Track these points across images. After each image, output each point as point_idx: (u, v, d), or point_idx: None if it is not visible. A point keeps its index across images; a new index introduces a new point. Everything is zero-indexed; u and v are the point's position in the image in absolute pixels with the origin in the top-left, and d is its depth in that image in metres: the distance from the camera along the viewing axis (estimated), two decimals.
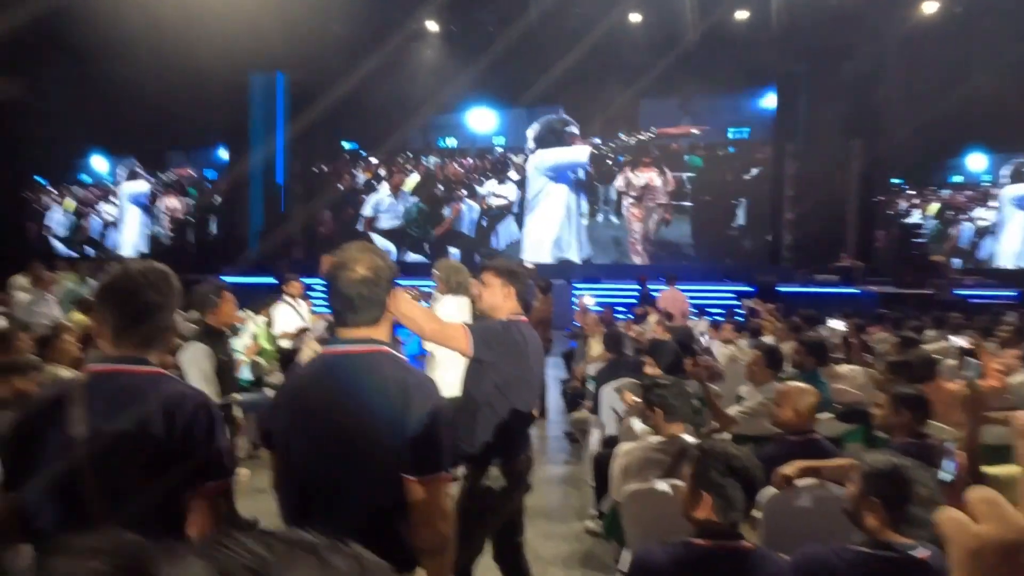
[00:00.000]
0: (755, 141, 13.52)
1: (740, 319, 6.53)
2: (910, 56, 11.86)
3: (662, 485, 2.14)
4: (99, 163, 16.41)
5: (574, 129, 13.62)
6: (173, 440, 1.23)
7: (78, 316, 5.48)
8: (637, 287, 10.34)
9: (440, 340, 1.93)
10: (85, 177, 16.57)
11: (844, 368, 3.94)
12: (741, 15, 11.75)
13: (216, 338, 3.04)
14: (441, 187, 14.19)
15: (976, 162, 13.12)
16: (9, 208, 15.63)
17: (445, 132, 14.53)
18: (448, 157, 14.42)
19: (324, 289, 1.39)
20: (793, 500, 2.18)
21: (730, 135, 13.62)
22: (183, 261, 12.77)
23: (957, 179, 13.33)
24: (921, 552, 1.52)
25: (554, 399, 6.05)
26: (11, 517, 1.25)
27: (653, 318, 6.65)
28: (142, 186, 15.88)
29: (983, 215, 12.85)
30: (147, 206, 15.74)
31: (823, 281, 10.92)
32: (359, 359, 1.35)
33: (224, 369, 2.97)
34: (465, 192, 14.15)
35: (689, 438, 2.25)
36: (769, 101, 13.39)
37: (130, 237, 15.83)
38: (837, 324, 4.92)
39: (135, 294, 1.29)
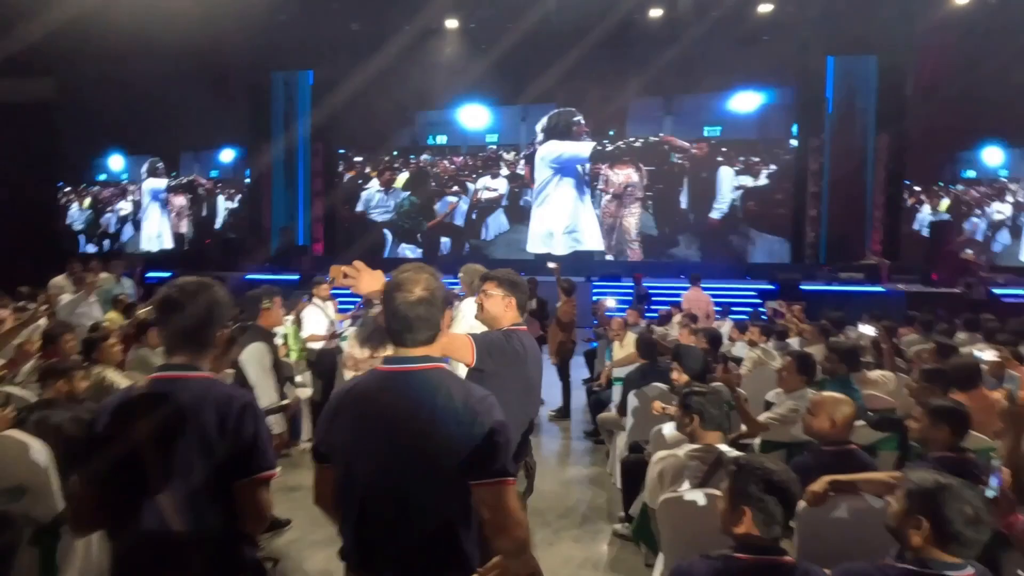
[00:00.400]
0: (771, 138, 13.29)
1: (765, 320, 6.47)
2: (940, 48, 11.57)
3: (698, 494, 2.16)
4: (116, 162, 16.77)
5: (581, 120, 13.75)
6: (223, 436, 1.39)
7: (114, 315, 5.64)
8: (633, 285, 10.40)
9: (447, 352, 1.97)
10: (100, 175, 16.95)
11: (875, 374, 3.89)
12: (764, 8, 11.57)
13: (267, 339, 3.31)
14: (433, 183, 14.50)
15: (992, 156, 12.70)
16: (39, 206, 16.05)
17: (436, 130, 14.65)
18: (439, 155, 14.59)
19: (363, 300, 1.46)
20: (829, 511, 2.18)
21: (705, 133, 13.53)
22: (206, 258, 13.05)
23: (970, 174, 12.94)
24: (967, 571, 1.52)
25: (578, 400, 6.08)
26: (89, 503, 1.43)
27: (677, 318, 6.63)
28: (162, 183, 16.21)
29: (999, 208, 12.46)
30: (165, 202, 16.08)
31: (848, 279, 10.75)
32: (421, 376, 1.39)
33: (277, 366, 3.30)
34: (456, 188, 14.42)
35: (725, 447, 2.27)
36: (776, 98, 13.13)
37: (151, 233, 16.17)
38: (867, 329, 4.85)
39: (186, 311, 1.46)
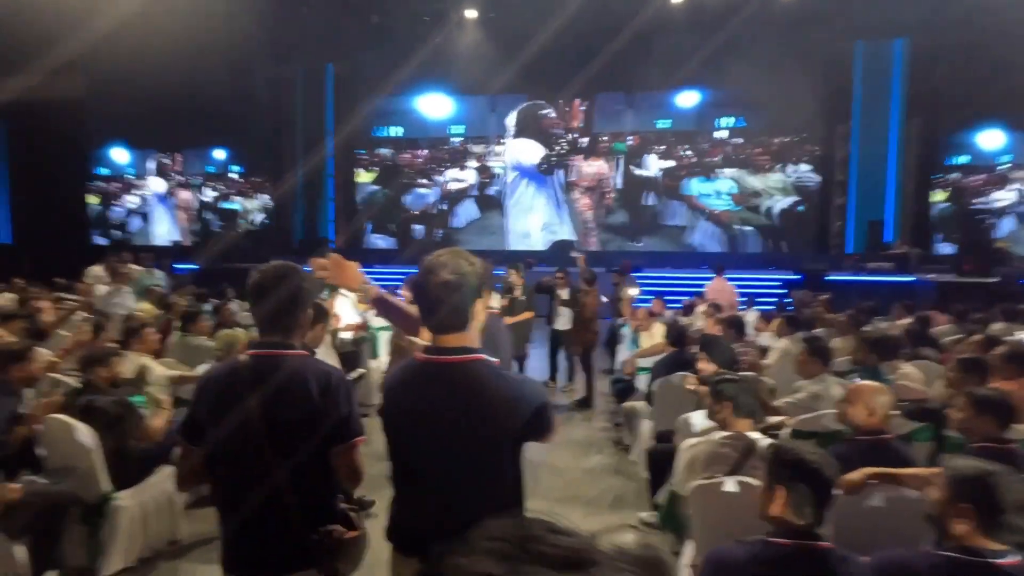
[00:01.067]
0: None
1: (791, 310, 6.37)
2: (968, 29, 11.15)
3: (729, 482, 2.16)
4: (120, 155, 17.11)
5: (550, 112, 13.80)
6: (324, 407, 1.52)
7: (148, 305, 5.79)
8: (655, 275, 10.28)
9: None
10: (102, 170, 17.30)
11: (908, 363, 3.82)
12: None
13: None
14: (404, 179, 14.77)
15: (991, 140, 12.14)
16: (67, 200, 16.49)
17: (391, 120, 14.68)
18: (397, 148, 14.75)
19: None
20: (864, 499, 2.17)
21: (657, 125, 13.50)
22: (232, 250, 13.26)
23: (963, 159, 12.44)
24: (1012, 558, 1.50)
25: (601, 389, 6.09)
26: (200, 466, 1.59)
27: (700, 308, 6.57)
28: (174, 177, 16.52)
29: (1001, 196, 11.98)
30: (168, 196, 16.37)
31: (876, 269, 10.52)
32: (462, 369, 1.43)
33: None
34: (425, 180, 14.64)
35: (756, 435, 2.26)
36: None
37: (163, 227, 16.52)
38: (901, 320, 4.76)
39: (274, 294, 1.57)
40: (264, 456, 1.52)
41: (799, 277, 10.48)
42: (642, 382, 4.64)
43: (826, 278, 10.04)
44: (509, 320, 6.07)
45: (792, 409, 3.32)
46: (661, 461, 3.46)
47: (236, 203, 16.22)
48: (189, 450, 1.61)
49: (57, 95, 15.80)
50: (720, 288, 6.75)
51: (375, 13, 13.15)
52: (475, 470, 1.42)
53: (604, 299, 6.33)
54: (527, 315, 5.85)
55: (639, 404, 4.27)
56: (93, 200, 16.96)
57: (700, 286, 9.60)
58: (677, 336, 3.92)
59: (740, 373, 2.73)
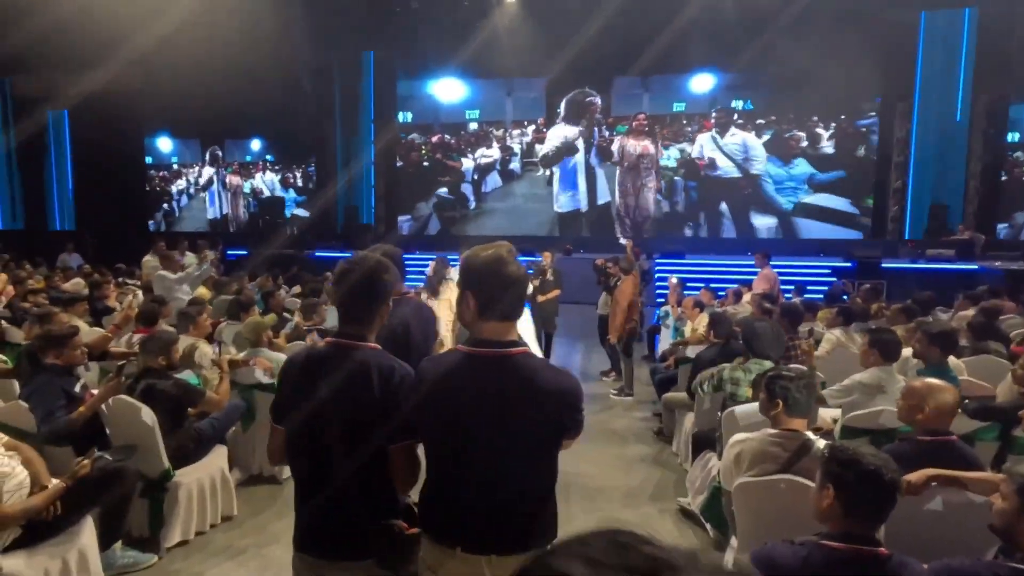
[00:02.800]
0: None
1: (845, 300, 6.10)
2: None
3: (779, 480, 2.09)
4: (165, 144, 17.74)
5: (595, 99, 13.65)
6: (382, 401, 1.54)
7: (204, 291, 6.04)
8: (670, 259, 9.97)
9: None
10: (149, 159, 17.98)
11: (972, 359, 3.61)
12: None
13: None
14: (426, 163, 14.92)
15: None
16: (125, 189, 17.31)
17: (406, 105, 14.82)
18: (415, 132, 14.91)
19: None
20: (924, 503, 2.07)
21: (674, 109, 13.16)
22: (277, 236, 13.67)
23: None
24: None
25: (641, 377, 6.01)
26: (278, 439, 1.66)
27: (747, 297, 6.38)
28: (221, 166, 17.05)
29: None
30: (224, 183, 16.90)
31: (935, 256, 9.94)
32: (514, 361, 1.47)
33: None
34: (452, 162, 14.87)
35: (811, 434, 2.18)
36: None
37: (215, 213, 17.13)
38: (964, 312, 4.48)
39: (354, 288, 1.61)
40: (330, 444, 1.57)
41: (851, 264, 10.04)
42: (683, 373, 4.55)
43: (882, 265, 9.56)
44: (541, 298, 6.34)
45: (837, 399, 3.20)
46: (706, 447, 3.42)
47: (279, 190, 16.68)
48: (276, 429, 1.67)
49: (116, 88, 16.57)
50: (767, 277, 6.51)
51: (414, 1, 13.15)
52: (522, 460, 1.45)
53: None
54: (554, 293, 6.44)
55: (681, 395, 4.19)
56: (149, 187, 17.76)
57: (745, 273, 9.33)
58: (723, 328, 3.81)
59: (792, 366, 2.62)
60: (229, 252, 12.73)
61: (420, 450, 1.60)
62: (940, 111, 11.63)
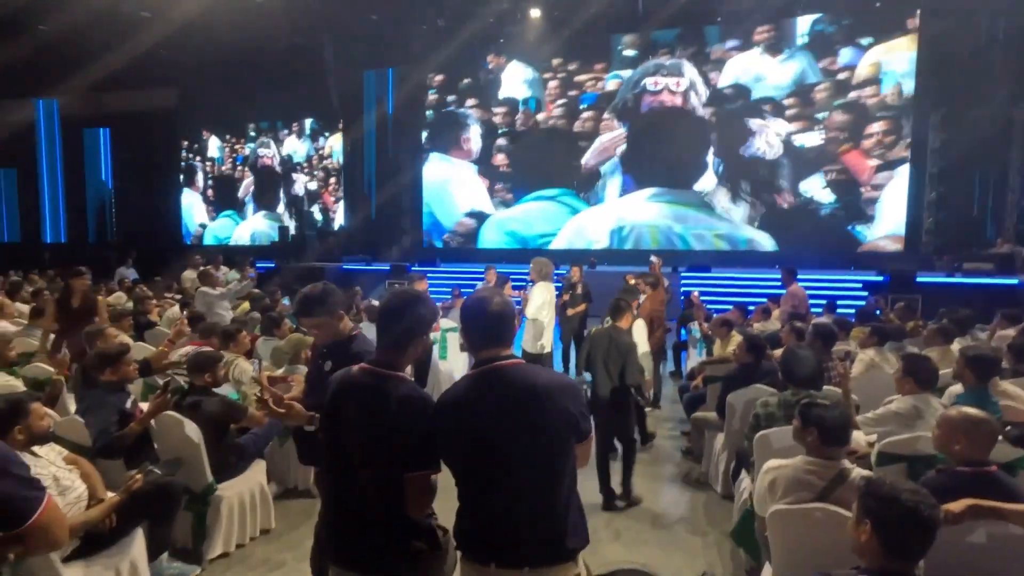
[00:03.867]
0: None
1: (879, 316, 5.98)
2: None
3: (815, 509, 2.09)
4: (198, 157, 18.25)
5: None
6: (400, 429, 1.61)
7: (246, 306, 6.23)
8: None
9: None
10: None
11: (1011, 382, 3.52)
12: None
13: None
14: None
15: None
16: (162, 202, 17.93)
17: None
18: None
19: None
20: (965, 535, 2.04)
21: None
22: (305, 249, 13.99)
23: None
24: None
25: (668, 393, 5.98)
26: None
27: (776, 313, 6.31)
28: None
29: None
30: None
31: (973, 271, 9.66)
32: (514, 370, 1.60)
33: None
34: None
35: (847, 463, 2.17)
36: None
37: (249, 228, 17.54)
38: (1007, 331, 4.36)
39: (392, 321, 1.73)
40: (352, 465, 1.67)
41: (884, 279, 9.82)
42: (712, 392, 4.53)
43: (916, 280, 9.33)
44: (570, 311, 6.39)
45: (872, 425, 3.15)
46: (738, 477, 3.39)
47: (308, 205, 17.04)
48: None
49: (153, 106, 17.27)
50: (796, 294, 6.43)
51: (441, 17, 13.42)
52: (541, 462, 1.54)
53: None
54: (583, 307, 6.69)
55: (710, 415, 4.17)
56: (185, 201, 18.36)
57: (772, 287, 9.20)
58: (755, 348, 3.79)
59: (825, 388, 2.61)
60: (260, 266, 13.09)
61: (436, 478, 1.68)
62: (976, 120, 11.35)
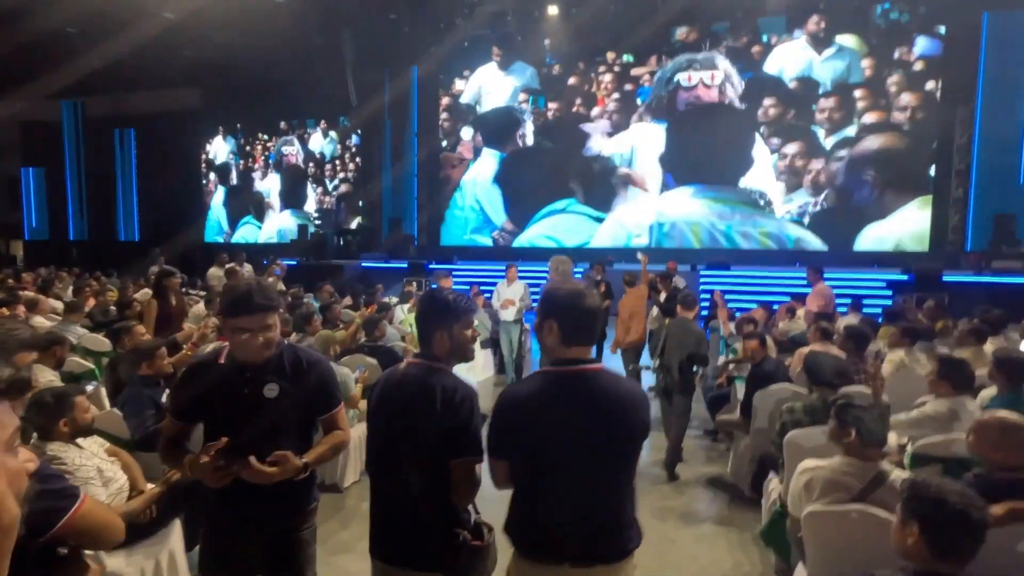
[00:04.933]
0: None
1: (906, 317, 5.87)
2: None
3: (853, 510, 2.07)
4: (221, 155, 18.46)
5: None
6: (445, 417, 1.65)
7: None
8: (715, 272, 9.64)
9: None
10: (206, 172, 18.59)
11: None
12: None
13: None
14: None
15: None
16: (184, 202, 18.23)
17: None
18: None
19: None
20: (1010, 542, 2.00)
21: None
22: (326, 248, 14.13)
23: None
24: None
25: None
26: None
27: (800, 312, 6.23)
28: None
29: None
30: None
31: (1003, 269, 9.44)
32: (597, 376, 1.61)
33: None
34: None
35: (886, 465, 2.15)
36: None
37: (272, 225, 17.70)
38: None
39: (420, 315, 1.81)
40: (399, 456, 1.70)
41: (908, 277, 9.64)
42: (737, 392, 4.49)
43: (943, 278, 9.15)
44: None
45: (906, 428, 3.10)
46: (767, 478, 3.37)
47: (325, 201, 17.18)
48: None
49: (176, 106, 17.57)
50: (822, 293, 6.34)
51: (459, 16, 13.45)
52: (613, 465, 1.58)
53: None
54: (606, 304, 6.73)
55: (735, 417, 4.14)
56: (208, 200, 18.64)
57: (793, 286, 9.08)
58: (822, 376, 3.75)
59: (852, 388, 2.58)
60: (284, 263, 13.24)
61: (480, 467, 1.70)
62: (1004, 116, 11.08)
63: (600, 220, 13.84)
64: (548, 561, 1.56)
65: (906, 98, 11.72)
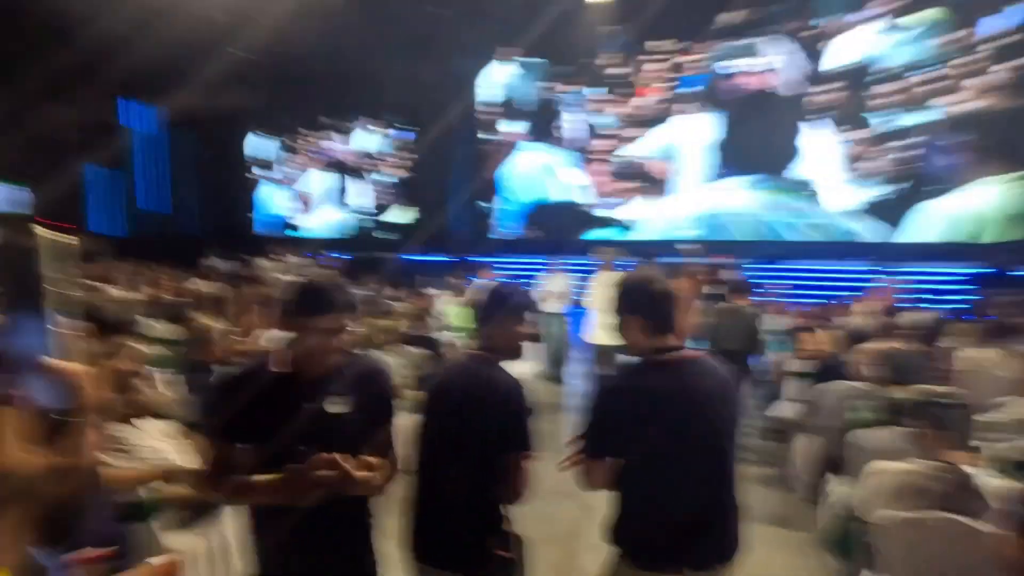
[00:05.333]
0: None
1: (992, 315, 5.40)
2: None
3: (934, 516, 1.90)
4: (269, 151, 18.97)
5: None
6: (500, 413, 1.64)
7: None
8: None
9: None
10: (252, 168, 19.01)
11: None
12: None
13: None
14: None
15: None
16: (240, 198, 18.97)
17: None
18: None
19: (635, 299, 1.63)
20: None
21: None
22: (370, 241, 14.40)
23: None
24: None
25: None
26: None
27: (858, 308, 5.87)
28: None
29: None
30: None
31: None
32: (696, 363, 1.59)
33: None
34: None
35: (971, 468, 1.96)
36: None
37: (321, 218, 18.14)
38: None
39: (488, 307, 1.80)
40: (453, 451, 1.67)
41: (995, 271, 8.83)
42: (792, 389, 4.28)
43: (1009, 273, 8.40)
44: None
45: (984, 431, 2.86)
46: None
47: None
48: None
49: (227, 104, 18.24)
50: (883, 287, 5.95)
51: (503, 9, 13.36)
52: (722, 457, 1.54)
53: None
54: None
55: (789, 416, 3.93)
56: (262, 195, 19.32)
57: (847, 280, 8.60)
58: (850, 341, 3.54)
59: (938, 388, 2.37)
60: (333, 254, 13.56)
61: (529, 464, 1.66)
62: None
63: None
64: (666, 569, 1.48)
65: (991, 77, 10.80)
